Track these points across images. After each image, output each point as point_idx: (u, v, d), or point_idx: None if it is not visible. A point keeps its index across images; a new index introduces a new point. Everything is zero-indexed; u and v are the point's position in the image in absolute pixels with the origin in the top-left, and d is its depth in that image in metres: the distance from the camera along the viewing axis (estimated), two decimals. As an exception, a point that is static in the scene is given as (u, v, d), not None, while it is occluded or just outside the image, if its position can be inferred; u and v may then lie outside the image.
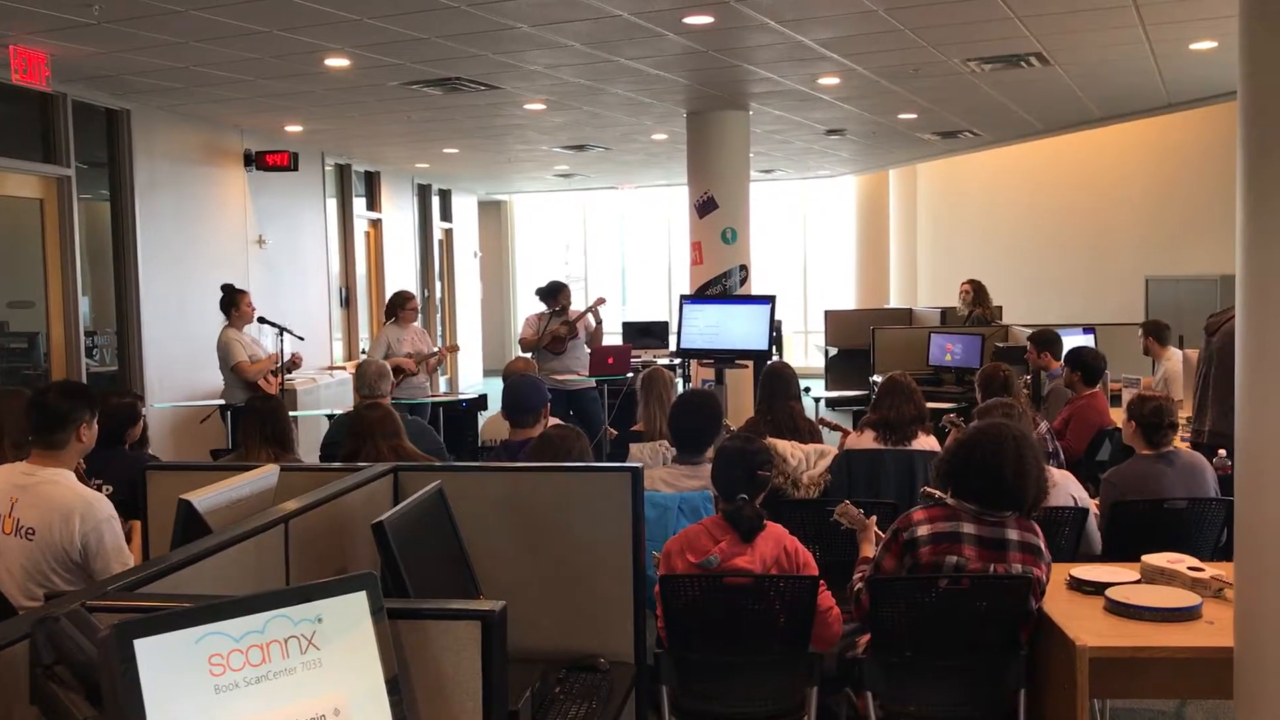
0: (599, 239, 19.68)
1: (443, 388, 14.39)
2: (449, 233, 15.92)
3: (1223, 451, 4.78)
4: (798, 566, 3.28)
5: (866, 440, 5.05)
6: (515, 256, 19.54)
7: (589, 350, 8.47)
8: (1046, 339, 7.17)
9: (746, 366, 8.29)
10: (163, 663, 1.30)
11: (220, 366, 7.38)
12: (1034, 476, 3.18)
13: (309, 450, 7.02)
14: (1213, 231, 10.76)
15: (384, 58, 6.97)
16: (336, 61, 7.06)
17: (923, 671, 3.21)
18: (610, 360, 8.38)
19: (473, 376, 16.28)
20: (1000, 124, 11.12)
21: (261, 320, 7.60)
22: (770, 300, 8.06)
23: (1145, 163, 13.07)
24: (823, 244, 18.10)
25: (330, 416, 6.94)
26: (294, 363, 7.52)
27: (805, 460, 4.88)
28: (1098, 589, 3.30)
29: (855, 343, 11.72)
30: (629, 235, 19.67)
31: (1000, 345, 8.95)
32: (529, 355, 8.13)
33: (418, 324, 8.28)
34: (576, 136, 11.17)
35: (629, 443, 5.03)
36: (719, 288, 9.65)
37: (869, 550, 3.45)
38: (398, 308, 7.99)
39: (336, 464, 3.77)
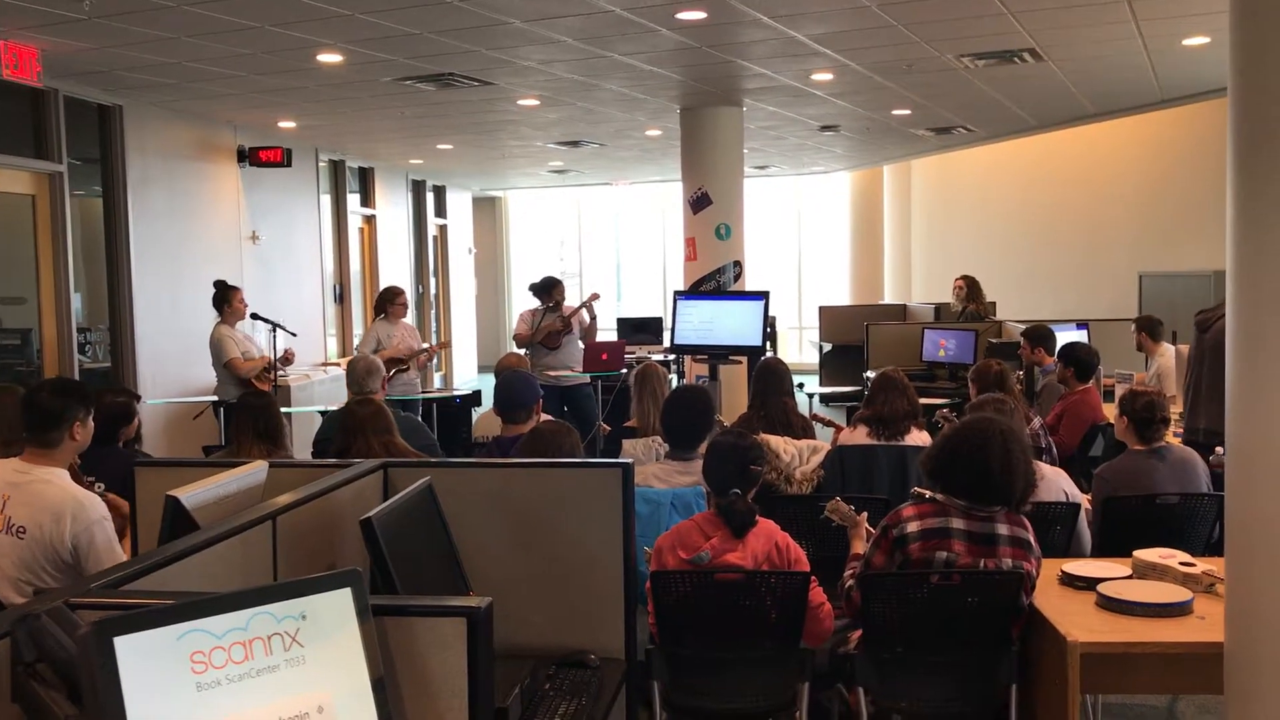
0: (594, 235, 19.67)
1: (437, 384, 14.38)
2: (443, 229, 15.90)
3: (1220, 449, 4.77)
4: (789, 562, 3.28)
5: (859, 436, 5.05)
6: (510, 253, 19.52)
7: (583, 346, 8.46)
8: (1040, 335, 7.18)
9: (740, 362, 8.28)
10: (143, 660, 1.29)
11: (213, 363, 7.36)
12: (1021, 470, 3.18)
13: (302, 447, 7.01)
14: (1206, 227, 10.76)
15: (377, 53, 6.96)
16: (329, 57, 7.04)
17: (914, 667, 3.21)
18: (604, 356, 8.37)
19: (467, 373, 16.27)
20: (994, 120, 11.11)
21: (254, 316, 7.58)
22: (764, 296, 8.06)
23: (1139, 159, 13.08)
24: (817, 240, 18.09)
25: (323, 413, 6.93)
26: (286, 359, 7.50)
27: (798, 456, 4.87)
28: (1089, 584, 3.30)
29: (849, 339, 11.74)
30: (624, 231, 19.65)
31: (994, 341, 8.96)
32: (523, 351, 8.13)
33: (408, 319, 8.26)
34: (570, 132, 11.16)
35: (622, 438, 5.03)
36: (713, 283, 9.64)
37: (860, 547, 3.44)
38: (387, 303, 7.97)
39: (326, 460, 3.76)
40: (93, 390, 3.87)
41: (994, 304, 11.10)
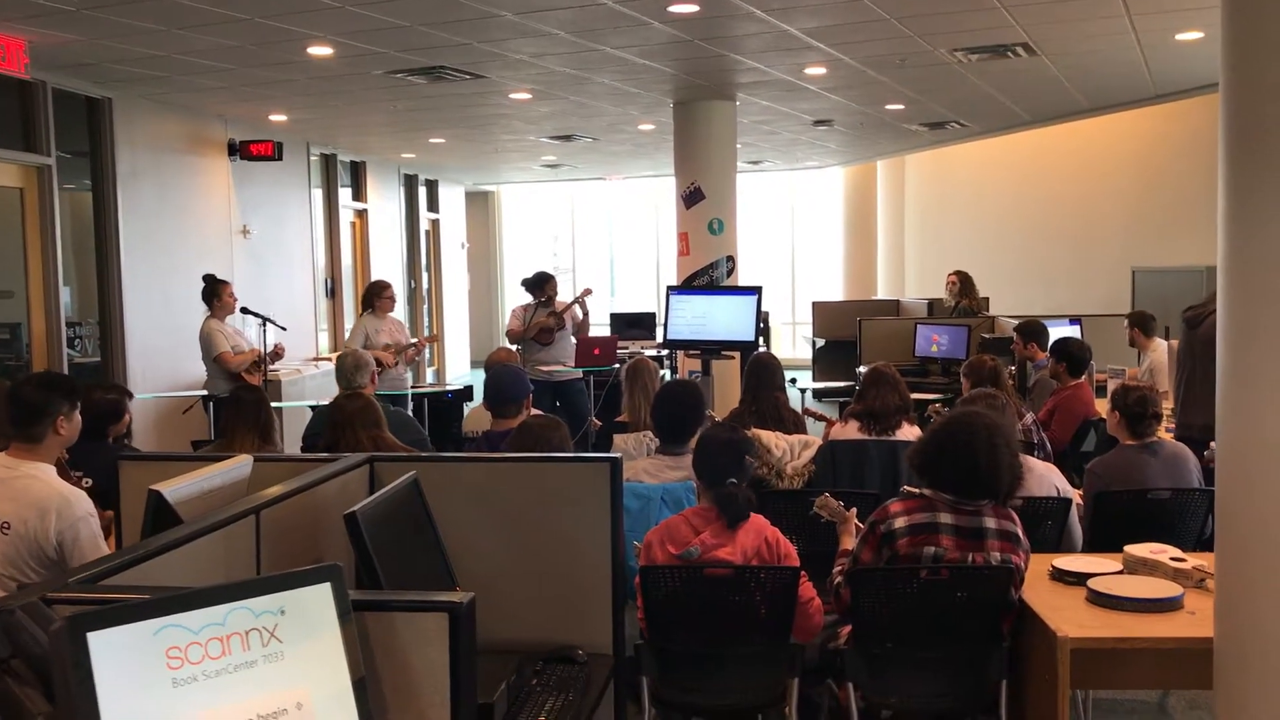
0: (587, 230, 19.63)
1: (429, 379, 14.36)
2: (436, 223, 15.85)
3: (1214, 444, 4.76)
4: (779, 557, 3.26)
5: (851, 431, 5.04)
6: (503, 247, 19.48)
7: (575, 341, 8.43)
8: (1032, 330, 7.17)
9: (733, 358, 8.27)
10: (118, 656, 1.27)
11: (202, 357, 7.32)
12: (1008, 464, 3.16)
13: (293, 442, 6.99)
14: (1199, 223, 10.76)
15: (367, 46, 6.92)
16: (319, 50, 7.00)
17: (904, 663, 3.20)
18: (596, 351, 8.35)
19: (459, 368, 16.23)
20: (987, 115, 11.10)
21: (244, 311, 7.55)
22: (757, 291, 8.04)
23: (1132, 154, 13.09)
24: (811, 235, 18.07)
25: (314, 408, 6.90)
26: (276, 353, 7.47)
27: (789, 451, 4.86)
28: (1080, 579, 3.29)
29: (843, 334, 11.72)
30: (617, 227, 19.62)
31: (986, 336, 8.95)
32: (514, 347, 8.10)
33: (395, 314, 8.23)
34: (563, 126, 11.13)
35: (613, 433, 5.01)
36: (706, 279, 9.62)
37: (849, 543, 3.43)
38: (374, 297, 7.94)
39: (311, 454, 3.74)
40: (81, 385, 3.84)
41: (987, 299, 11.10)
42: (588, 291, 8.73)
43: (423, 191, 15.18)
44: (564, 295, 8.66)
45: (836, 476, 4.87)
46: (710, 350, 8.02)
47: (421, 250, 15.12)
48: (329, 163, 12.05)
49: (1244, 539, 2.54)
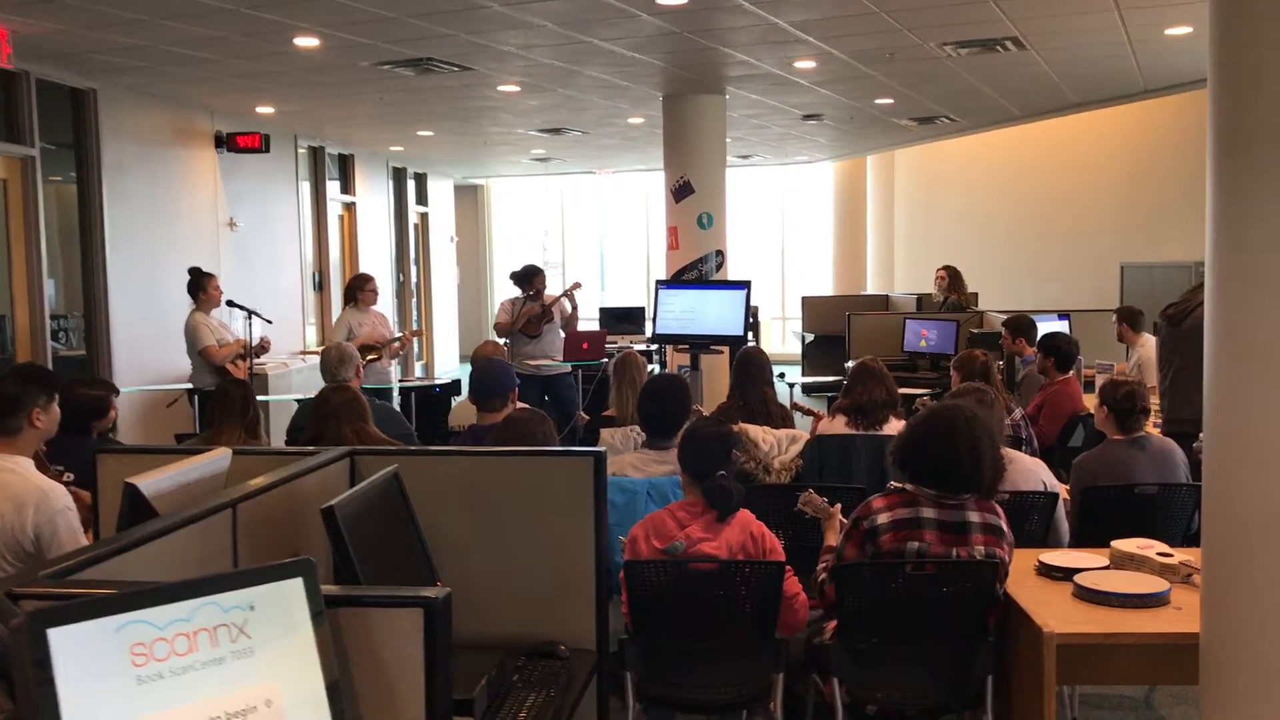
0: (577, 224, 19.58)
1: (418, 373, 14.31)
2: (425, 216, 15.80)
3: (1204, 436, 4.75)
4: (764, 552, 3.24)
5: (838, 425, 5.02)
6: (492, 241, 19.42)
7: (564, 335, 8.40)
8: (1021, 325, 7.16)
9: (722, 352, 8.24)
10: (80, 653, 1.24)
11: (187, 350, 7.28)
12: (989, 457, 3.14)
13: (279, 436, 6.94)
14: (1188, 219, 10.77)
15: (354, 37, 6.87)
16: (306, 41, 6.95)
17: (889, 658, 3.18)
18: (585, 345, 8.32)
19: (448, 362, 16.18)
20: (977, 110, 11.09)
21: (230, 304, 7.50)
22: (746, 285, 8.01)
23: (1121, 150, 13.10)
24: (801, 230, 18.06)
25: (300, 401, 6.86)
26: (262, 346, 7.42)
27: (777, 445, 4.84)
28: (1066, 575, 3.27)
29: (832, 329, 11.70)
30: (607, 221, 19.58)
31: (975, 331, 8.95)
32: (502, 341, 8.06)
33: (385, 308, 8.19)
34: (552, 120, 11.08)
35: (600, 428, 4.99)
36: (695, 273, 9.59)
37: (833, 539, 3.40)
38: (357, 290, 7.89)
39: (292, 448, 3.71)
40: (58, 377, 3.80)
41: (976, 294, 11.09)
42: (576, 285, 8.69)
43: (411, 185, 15.12)
44: (553, 289, 8.61)
45: (823, 471, 4.85)
46: (699, 345, 7.99)
47: (410, 244, 15.06)
48: (317, 155, 11.99)
49: (1230, 533, 2.53)
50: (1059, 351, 6.15)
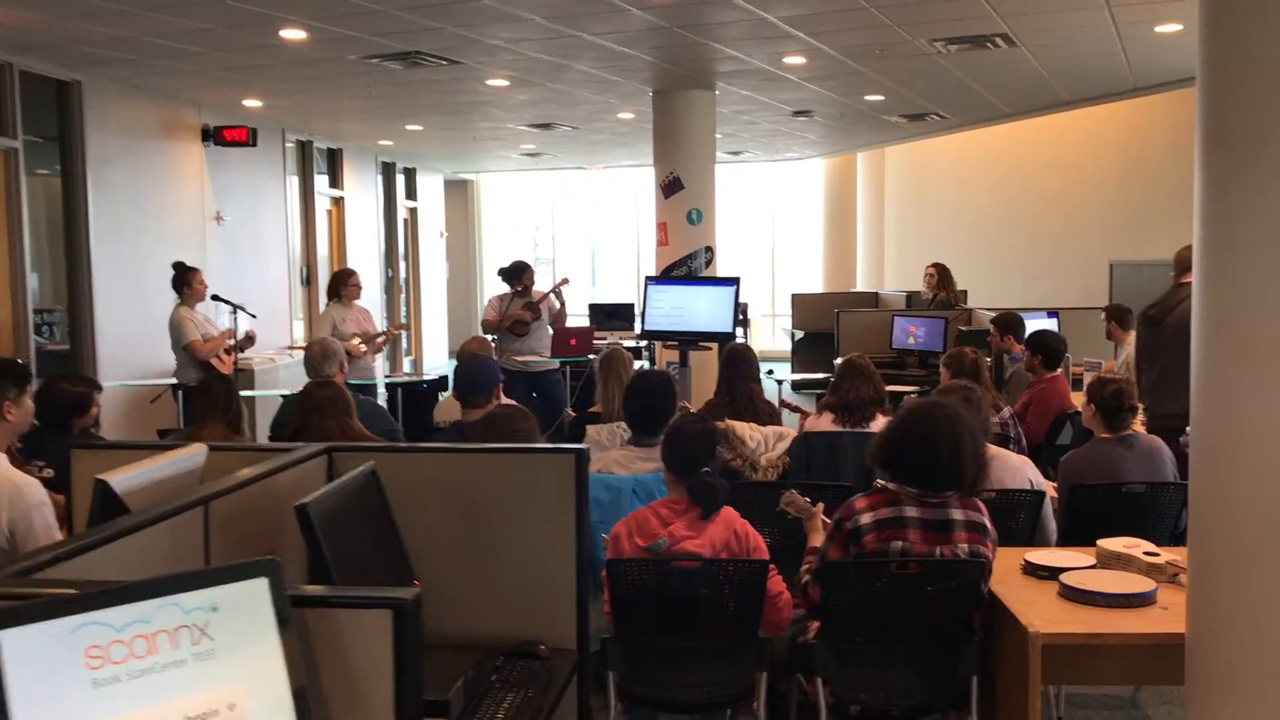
0: (568, 220, 19.53)
1: (406, 369, 14.25)
2: (414, 212, 15.73)
3: (1189, 429, 4.73)
4: (748, 550, 3.21)
5: (825, 423, 5.00)
6: (482, 237, 19.35)
7: (552, 331, 8.36)
8: (1009, 322, 7.14)
9: (711, 349, 8.21)
10: (32, 655, 1.20)
11: (172, 346, 7.22)
12: (971, 453, 3.11)
13: (264, 431, 6.90)
14: (1177, 217, 10.75)
15: (341, 30, 6.82)
16: (292, 33, 6.89)
17: (874, 657, 3.15)
18: (573, 341, 8.28)
19: (438, 358, 16.13)
20: (967, 107, 11.07)
21: (215, 298, 7.44)
22: (734, 282, 7.98)
23: (1111, 148, 13.10)
24: (792, 227, 18.04)
25: (286, 397, 6.81)
26: (248, 340, 7.37)
27: (764, 442, 4.81)
28: (1052, 574, 3.25)
29: (822, 326, 11.69)
30: (598, 217, 19.53)
31: (964, 329, 8.94)
32: (490, 337, 8.02)
33: (374, 303, 8.14)
34: (542, 114, 11.04)
35: (586, 424, 4.95)
36: (684, 269, 9.56)
37: (817, 539, 3.36)
38: (340, 285, 7.84)
39: (271, 444, 3.67)
40: (47, 374, 3.75)
41: (965, 292, 11.09)
42: (564, 281, 8.65)
43: (400, 179, 15.06)
44: (543, 286, 8.57)
45: (810, 468, 4.82)
46: (688, 341, 7.96)
47: (399, 239, 15.00)
48: (305, 149, 11.92)
49: (1217, 532, 2.51)
50: (1047, 349, 6.13)
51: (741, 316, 12.54)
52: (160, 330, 7.46)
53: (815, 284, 16.07)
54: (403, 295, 15.13)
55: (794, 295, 13.53)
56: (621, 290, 17.40)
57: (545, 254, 19.09)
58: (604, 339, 9.60)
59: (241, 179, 10.40)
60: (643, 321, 8.23)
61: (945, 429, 3.07)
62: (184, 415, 6.82)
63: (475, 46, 7.42)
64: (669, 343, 8.39)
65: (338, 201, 12.86)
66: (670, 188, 9.59)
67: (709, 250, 9.67)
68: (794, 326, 13.13)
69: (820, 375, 9.95)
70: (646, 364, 9.99)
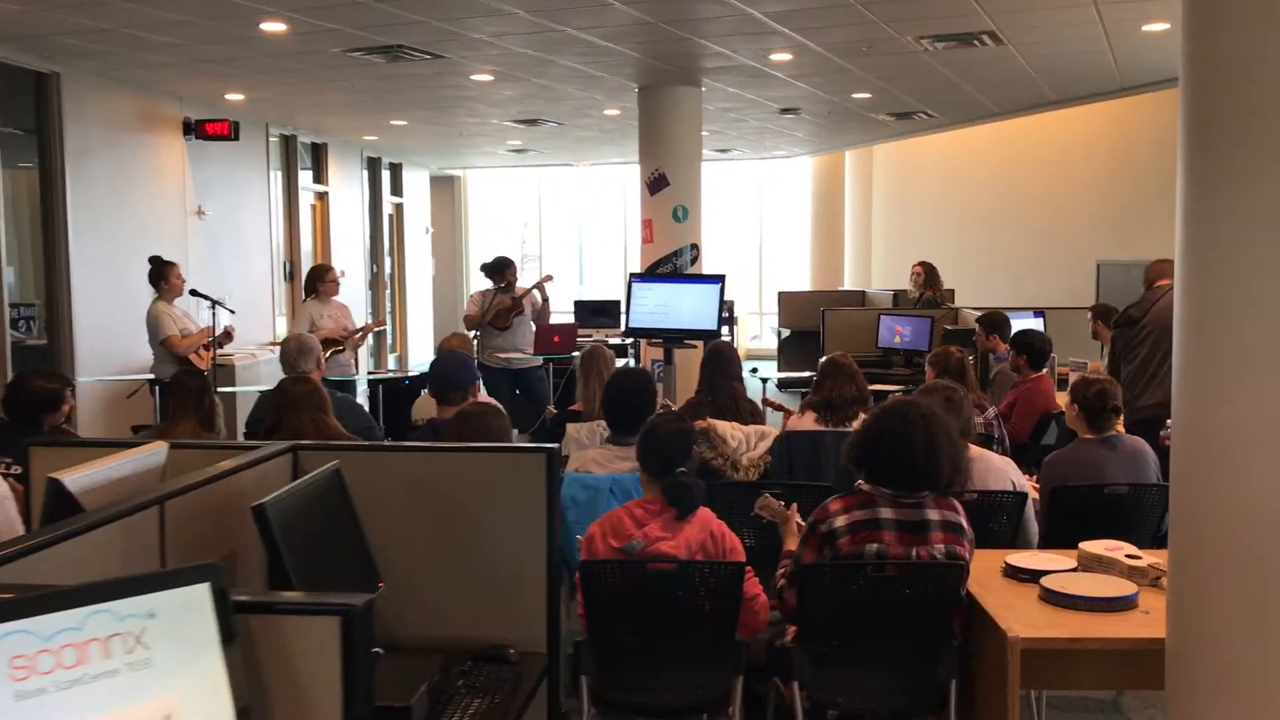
0: (555, 217, 19.45)
1: (391, 365, 14.17)
2: (399, 207, 15.64)
3: (1169, 421, 4.70)
4: (724, 551, 3.16)
5: (807, 422, 4.95)
6: (469, 233, 19.26)
7: (535, 328, 8.30)
8: (994, 321, 7.11)
9: (696, 347, 8.14)
10: (-50, 667, 1.14)
11: (149, 340, 7.14)
12: (947, 453, 3.06)
13: (242, 428, 6.81)
14: (1163, 216, 10.73)
15: (323, 23, 6.74)
16: (273, 26, 6.81)
17: (851, 661, 3.10)
18: (556, 339, 8.22)
19: (423, 355, 16.03)
20: (954, 105, 11.04)
21: (193, 293, 7.36)
22: (720, 280, 7.92)
23: (1098, 148, 13.09)
24: (779, 225, 18.00)
25: (264, 393, 6.74)
26: (226, 336, 7.29)
27: (745, 441, 4.76)
28: (1033, 577, 3.21)
29: (808, 324, 11.65)
30: (586, 214, 19.45)
31: (950, 328, 8.90)
32: (472, 333, 7.96)
33: (359, 300, 8.07)
34: (528, 110, 10.97)
35: (567, 422, 4.89)
36: (670, 266, 9.50)
37: (792, 543, 3.31)
38: (317, 281, 7.77)
39: (235, 442, 3.60)
40: (21, 370, 3.69)
41: (952, 291, 11.06)
42: (548, 278, 8.59)
43: (386, 175, 14.96)
44: (528, 282, 8.51)
45: (793, 468, 4.78)
46: (673, 339, 7.91)
47: (385, 235, 14.91)
48: (289, 144, 11.82)
49: (1198, 533, 2.46)
50: (1032, 349, 6.09)
51: (727, 314, 12.49)
52: (139, 325, 7.37)
53: (803, 282, 16.03)
54: (387, 291, 15.04)
55: (781, 293, 13.49)
56: (609, 287, 17.33)
57: (532, 251, 19.01)
58: (589, 336, 9.54)
59: (224, 173, 10.31)
60: (627, 319, 8.17)
61: (921, 428, 3.02)
62: (159, 411, 6.74)
63: (458, 40, 7.35)
64: (654, 340, 8.33)
65: (322, 196, 12.76)
66: (656, 184, 9.53)
67: (694, 247, 9.62)
68: (780, 324, 13.09)
69: (806, 374, 9.90)
70: (631, 362, 9.94)
